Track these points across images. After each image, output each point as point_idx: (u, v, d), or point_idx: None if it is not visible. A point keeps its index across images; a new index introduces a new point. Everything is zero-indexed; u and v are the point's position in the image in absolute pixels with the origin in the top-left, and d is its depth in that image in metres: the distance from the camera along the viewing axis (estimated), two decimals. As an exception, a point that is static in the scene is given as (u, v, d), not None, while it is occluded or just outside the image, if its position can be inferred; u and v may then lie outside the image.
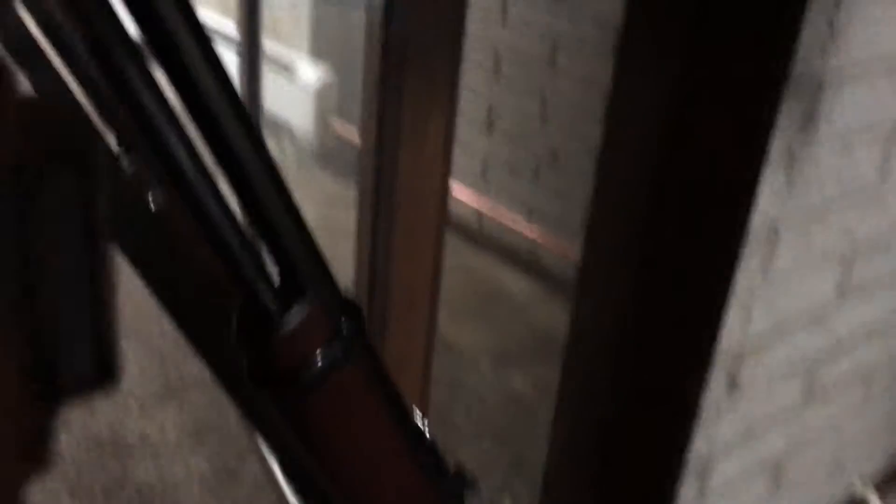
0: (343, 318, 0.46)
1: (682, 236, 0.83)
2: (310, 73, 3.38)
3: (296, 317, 0.44)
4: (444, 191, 1.07)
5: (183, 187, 0.40)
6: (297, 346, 0.44)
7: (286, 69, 3.46)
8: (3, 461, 0.50)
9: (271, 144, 3.60)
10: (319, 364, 0.44)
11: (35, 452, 0.49)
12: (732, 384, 1.21)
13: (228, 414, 2.04)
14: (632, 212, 0.84)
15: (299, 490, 0.80)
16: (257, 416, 0.77)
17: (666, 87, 0.75)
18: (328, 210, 2.97)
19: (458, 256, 2.99)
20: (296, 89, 3.37)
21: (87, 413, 2.01)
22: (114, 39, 0.37)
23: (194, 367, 2.21)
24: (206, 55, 0.36)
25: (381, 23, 0.97)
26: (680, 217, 0.83)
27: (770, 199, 0.85)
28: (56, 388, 0.50)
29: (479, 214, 2.99)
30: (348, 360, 0.46)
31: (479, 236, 3.01)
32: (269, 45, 3.64)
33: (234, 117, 0.38)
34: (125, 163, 0.69)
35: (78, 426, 1.97)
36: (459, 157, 2.98)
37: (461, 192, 2.96)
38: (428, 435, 0.58)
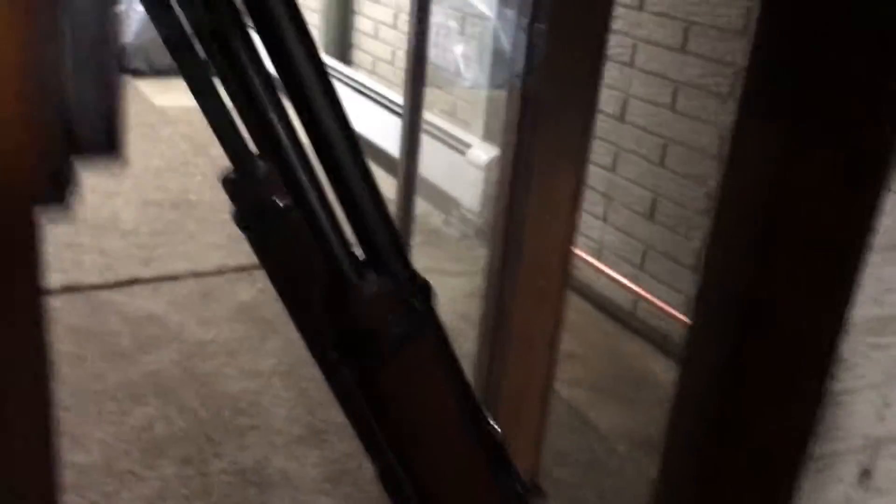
0: (416, 295, 0.51)
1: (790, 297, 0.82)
2: (481, 152, 3.52)
3: (373, 286, 0.49)
4: (567, 253, 1.11)
5: (288, 176, 0.47)
6: (373, 314, 0.50)
7: (460, 148, 3.63)
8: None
9: (440, 216, 3.77)
10: (392, 333, 0.49)
11: (53, 186, 0.62)
12: (865, 475, 1.14)
13: (364, 463, 2.11)
14: (737, 275, 0.84)
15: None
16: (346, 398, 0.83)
17: (773, 152, 0.76)
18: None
19: (609, 339, 2.97)
20: (468, 167, 3.52)
21: (237, 447, 2.15)
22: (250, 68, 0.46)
23: (338, 415, 2.30)
24: (322, 82, 0.43)
25: (519, 98, 1.05)
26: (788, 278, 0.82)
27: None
28: (74, 142, 0.64)
29: (635, 299, 2.96)
30: (419, 332, 0.51)
31: (633, 321, 2.98)
32: (446, 126, 3.85)
33: (338, 130, 0.44)
34: (260, 167, 0.78)
35: (227, 458, 2.10)
36: (619, 242, 2.99)
37: (618, 277, 2.96)
38: (499, 433, 0.61)
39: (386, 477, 0.82)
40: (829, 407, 1.06)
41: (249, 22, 0.43)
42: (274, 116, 0.46)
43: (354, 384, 0.52)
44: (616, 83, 2.92)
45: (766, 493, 1.00)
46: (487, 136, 3.63)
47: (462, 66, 4.09)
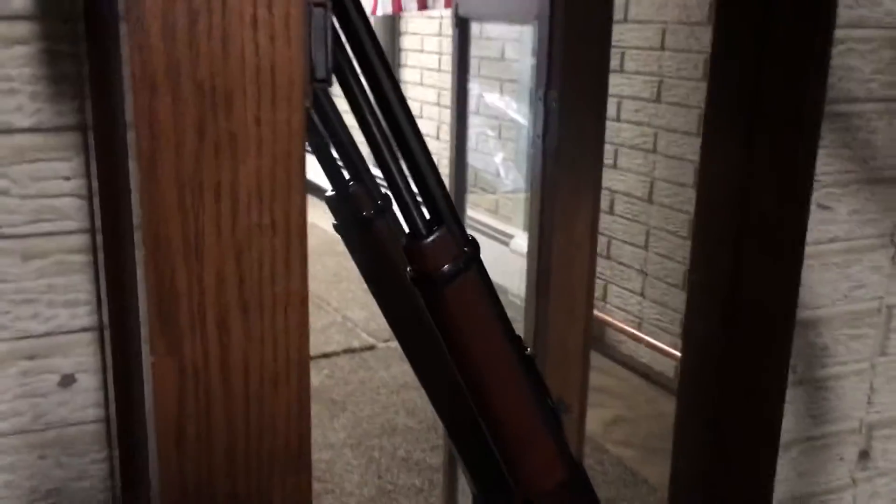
0: (466, 247, 0.76)
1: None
2: (522, 241, 3.81)
3: (435, 234, 0.74)
4: (591, 276, 1.35)
5: (376, 152, 0.73)
6: (435, 254, 0.74)
7: (504, 240, 3.92)
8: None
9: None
10: (449, 268, 0.73)
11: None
12: (864, 456, 1.33)
13: (431, 516, 2.30)
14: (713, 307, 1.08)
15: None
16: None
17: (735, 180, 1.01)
18: (533, 358, 3.25)
19: (654, 404, 3.14)
20: (511, 255, 3.80)
21: (315, 507, 2.35)
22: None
23: (406, 478, 2.50)
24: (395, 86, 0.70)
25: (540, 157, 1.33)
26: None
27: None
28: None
29: (676, 364, 3.15)
30: (468, 269, 0.75)
31: (676, 385, 3.14)
32: (491, 221, 4.16)
33: (403, 113, 0.70)
34: (351, 186, 1.05)
35: (307, 516, 2.31)
36: (657, 313, 3.20)
37: (658, 344, 3.15)
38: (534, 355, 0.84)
39: (452, 432, 1.04)
40: (822, 391, 1.26)
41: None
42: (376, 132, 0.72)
43: (426, 308, 0.75)
44: (641, 168, 3.20)
45: (751, 469, 1.20)
46: (527, 227, 3.91)
47: (502, 171, 4.44)
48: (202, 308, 0.43)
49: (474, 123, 4.75)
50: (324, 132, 0.92)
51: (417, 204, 0.73)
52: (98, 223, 0.77)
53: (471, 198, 4.48)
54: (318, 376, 3.17)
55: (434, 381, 1.00)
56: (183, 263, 0.42)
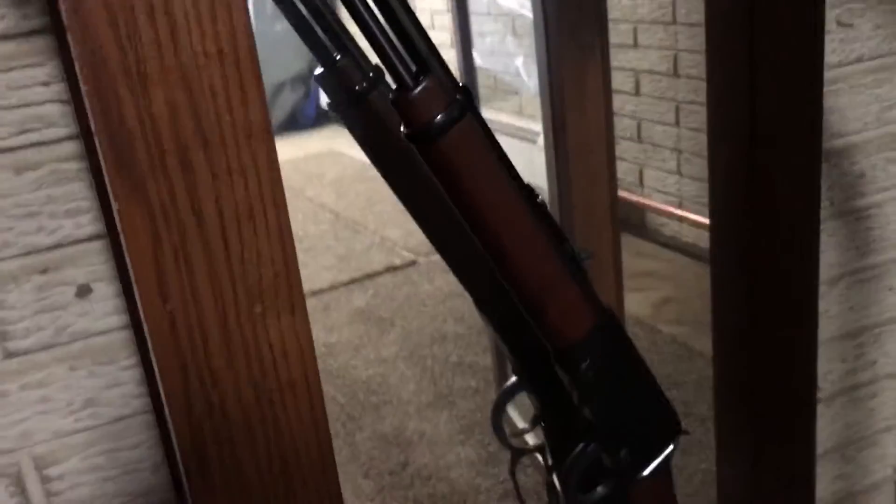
0: (458, 94, 0.72)
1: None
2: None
3: (421, 84, 0.70)
4: (609, 128, 1.31)
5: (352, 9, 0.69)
6: (425, 104, 0.70)
7: (531, 138, 3.85)
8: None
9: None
10: (441, 117, 0.70)
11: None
12: None
13: (489, 412, 2.32)
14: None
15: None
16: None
17: None
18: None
19: (702, 281, 3.09)
20: (538, 154, 3.74)
21: (376, 419, 2.39)
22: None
23: (461, 381, 2.53)
24: None
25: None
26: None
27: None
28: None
29: (720, 239, 3.09)
30: (461, 117, 0.71)
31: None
32: (517, 122, 4.09)
33: None
34: (339, 60, 1.01)
35: (368, 429, 2.35)
36: (697, 188, 3.12)
37: (700, 220, 3.09)
38: (548, 207, 0.81)
39: (481, 305, 1.02)
40: (864, 220, 1.22)
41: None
42: None
43: (423, 162, 0.72)
44: (664, 42, 3.09)
45: (793, 312, 1.16)
46: (555, 123, 3.84)
47: (523, 72, 4.34)
48: (160, 146, 0.41)
49: (488, 28, 4.63)
50: (300, 5, 0.88)
51: (401, 55, 0.70)
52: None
53: (494, 103, 4.40)
54: (363, 297, 3.19)
55: (449, 245, 0.97)
56: (128, 93, 0.39)
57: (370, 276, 3.37)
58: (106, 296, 0.81)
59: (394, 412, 2.42)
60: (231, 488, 0.62)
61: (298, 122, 6.04)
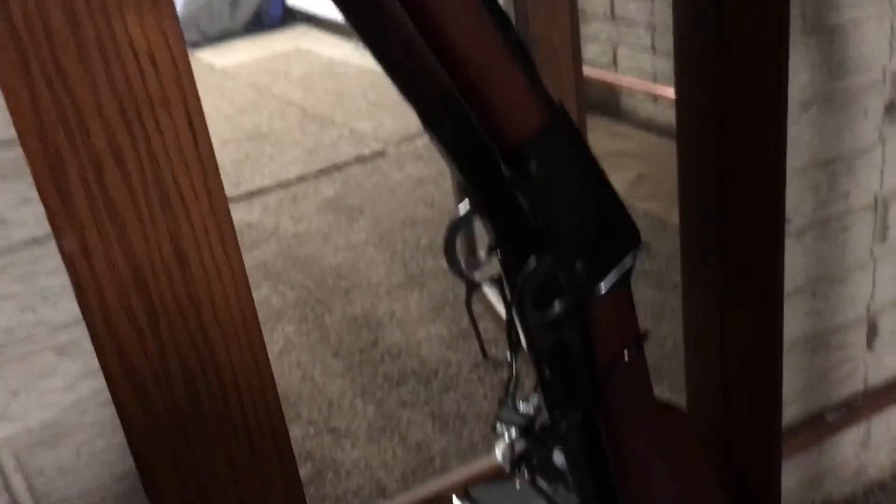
0: None
1: None
2: None
3: None
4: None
5: None
6: None
7: None
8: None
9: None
10: None
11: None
12: (892, 107, 1.22)
13: (460, 291, 2.28)
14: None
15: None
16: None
17: None
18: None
19: (675, 158, 3.03)
20: None
21: (346, 302, 2.34)
22: None
23: (432, 263, 2.48)
24: None
25: None
26: None
27: None
28: None
29: (696, 116, 3.01)
30: None
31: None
32: None
33: None
34: None
35: (338, 312, 2.30)
36: (671, 66, 3.03)
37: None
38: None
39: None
40: (838, 39, 1.14)
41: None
42: None
43: None
44: None
45: (759, 135, 1.10)
46: None
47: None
48: None
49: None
50: None
51: None
52: None
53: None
54: (332, 187, 3.12)
55: (392, 57, 0.90)
56: None
57: (339, 166, 3.28)
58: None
59: (364, 295, 2.37)
60: (101, 215, 0.56)
61: (263, 22, 5.83)
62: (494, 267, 1.08)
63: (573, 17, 1.36)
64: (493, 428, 1.05)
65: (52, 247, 0.79)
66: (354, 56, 4.79)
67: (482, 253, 1.06)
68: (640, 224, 2.12)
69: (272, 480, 0.82)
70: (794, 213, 1.20)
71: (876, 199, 1.26)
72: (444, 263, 2.41)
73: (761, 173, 1.14)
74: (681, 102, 1.21)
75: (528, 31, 1.28)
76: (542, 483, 1.47)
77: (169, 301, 0.61)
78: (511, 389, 1.05)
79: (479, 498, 1.42)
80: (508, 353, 1.07)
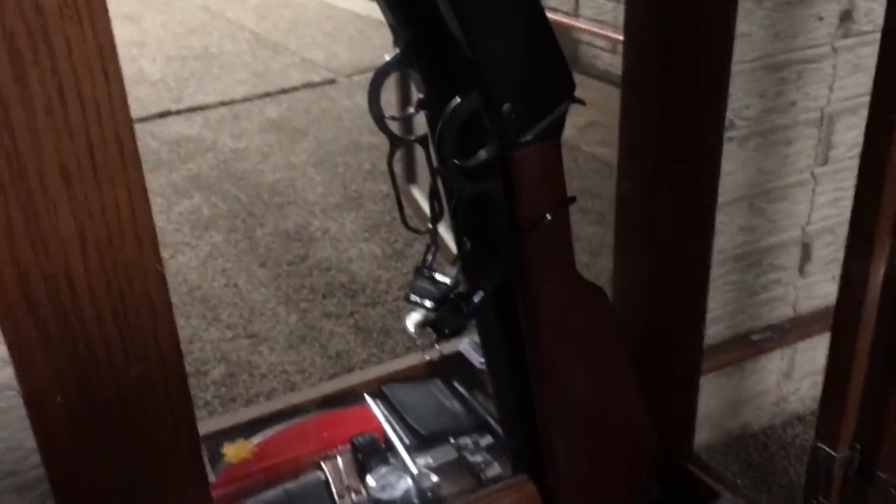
0: None
1: None
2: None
3: None
4: None
5: None
6: None
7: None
8: None
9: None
10: None
11: None
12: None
13: (395, 215, 2.22)
14: None
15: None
16: None
17: None
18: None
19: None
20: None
21: (279, 217, 2.26)
22: None
23: (372, 186, 2.41)
24: None
25: None
26: None
27: None
28: None
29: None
30: None
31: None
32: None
33: None
34: None
35: (270, 226, 2.22)
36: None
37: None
38: None
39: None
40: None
41: None
42: None
43: None
44: None
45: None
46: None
47: None
48: None
49: None
50: None
51: None
52: None
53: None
54: (277, 109, 3.01)
55: None
56: None
57: (286, 91, 3.18)
58: None
59: (298, 212, 2.29)
60: None
61: (224, -50, 5.63)
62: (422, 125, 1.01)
63: None
64: (407, 297, 1.00)
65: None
66: (314, -12, 4.66)
67: (410, 109, 0.99)
68: (588, 166, 2.10)
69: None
70: (738, 117, 1.16)
71: (822, 115, 1.23)
72: (384, 187, 2.33)
73: (700, 73, 1.09)
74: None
75: None
76: (459, 386, 1.41)
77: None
78: (429, 260, 0.99)
79: (392, 396, 1.37)
80: (430, 222, 1.01)
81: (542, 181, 0.86)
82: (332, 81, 3.25)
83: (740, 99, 1.15)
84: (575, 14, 3.28)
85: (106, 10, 0.61)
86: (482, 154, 0.86)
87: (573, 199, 0.89)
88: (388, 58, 0.94)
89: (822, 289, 1.37)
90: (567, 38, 3.28)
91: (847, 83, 1.22)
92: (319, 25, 3.97)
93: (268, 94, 3.13)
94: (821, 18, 1.16)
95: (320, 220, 2.24)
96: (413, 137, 0.98)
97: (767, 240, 1.29)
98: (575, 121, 2.87)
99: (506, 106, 0.85)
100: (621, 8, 3.09)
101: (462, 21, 0.80)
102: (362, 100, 3.30)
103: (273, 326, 1.80)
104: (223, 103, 3.07)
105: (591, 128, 2.78)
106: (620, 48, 3.07)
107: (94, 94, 0.64)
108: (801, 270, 1.34)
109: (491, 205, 0.91)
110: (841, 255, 0.91)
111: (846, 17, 1.18)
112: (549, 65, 0.85)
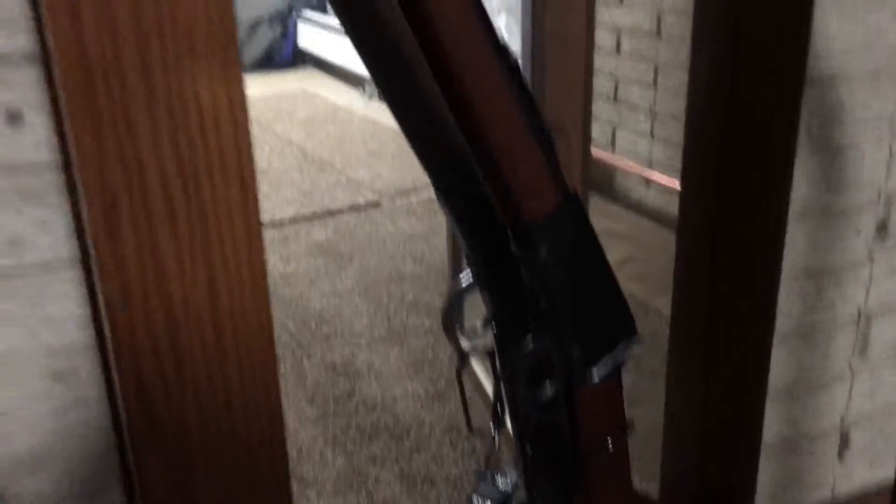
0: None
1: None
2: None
3: None
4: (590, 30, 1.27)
5: None
6: None
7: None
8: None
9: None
10: None
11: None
12: (882, 228, 1.26)
13: (440, 351, 2.29)
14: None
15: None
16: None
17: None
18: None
19: (666, 244, 3.08)
20: None
21: (326, 347, 2.35)
22: None
23: (415, 320, 2.49)
24: None
25: None
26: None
27: None
28: None
29: (687, 205, 3.07)
30: None
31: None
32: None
33: None
34: None
35: (317, 357, 2.30)
36: (670, 152, 3.10)
37: (667, 184, 3.07)
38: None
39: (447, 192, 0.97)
40: (836, 157, 1.19)
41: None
42: None
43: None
44: (647, 3, 3.05)
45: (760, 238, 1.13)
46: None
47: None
48: None
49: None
50: None
51: None
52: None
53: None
54: (323, 232, 3.14)
55: (412, 121, 0.93)
56: None
57: (332, 212, 3.31)
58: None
59: (344, 343, 2.37)
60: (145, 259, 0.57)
61: (274, 60, 5.91)
62: (488, 339, 1.10)
63: (587, 102, 1.41)
64: (469, 500, 1.06)
65: (63, 273, 0.81)
66: (359, 104, 4.86)
67: (477, 324, 1.08)
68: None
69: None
70: (781, 317, 1.23)
71: (859, 314, 1.30)
72: (427, 321, 2.43)
73: (754, 279, 1.17)
74: (683, 207, 1.25)
75: (542, 111, 1.31)
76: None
77: (197, 347, 0.62)
78: (491, 464, 1.06)
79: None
80: (492, 427, 1.08)
81: (603, 413, 0.93)
82: (376, 204, 3.38)
83: (782, 301, 1.22)
84: (612, 147, 3.40)
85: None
86: (549, 388, 0.93)
87: (632, 425, 0.96)
88: (462, 278, 1.03)
89: (860, 475, 1.41)
90: (604, 171, 3.39)
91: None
92: (364, 143, 4.14)
93: (315, 216, 3.26)
94: (859, 232, 1.24)
95: (365, 353, 2.32)
96: (480, 351, 1.06)
97: (808, 427, 1.34)
98: (612, 255, 2.96)
99: (574, 347, 0.92)
100: (655, 146, 3.22)
101: (536, 277, 0.88)
102: (405, 224, 3.41)
103: (321, 469, 1.86)
104: (273, 224, 3.19)
105: (627, 264, 2.86)
106: (653, 183, 3.17)
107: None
108: (840, 457, 1.38)
109: (554, 425, 0.97)
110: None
111: (881, 228, 1.26)
112: (613, 309, 0.93)
